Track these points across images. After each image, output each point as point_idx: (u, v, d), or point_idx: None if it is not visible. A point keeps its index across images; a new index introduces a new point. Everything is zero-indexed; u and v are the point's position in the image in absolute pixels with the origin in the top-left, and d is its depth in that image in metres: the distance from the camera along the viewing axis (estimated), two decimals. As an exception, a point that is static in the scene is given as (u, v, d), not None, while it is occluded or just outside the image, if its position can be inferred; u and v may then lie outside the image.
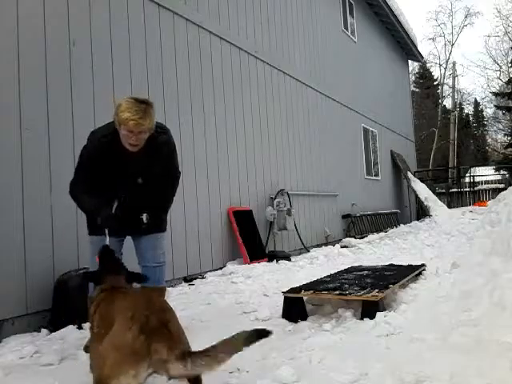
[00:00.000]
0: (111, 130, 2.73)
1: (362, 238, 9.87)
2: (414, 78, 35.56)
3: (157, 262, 3.07)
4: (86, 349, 2.91)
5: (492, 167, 29.19)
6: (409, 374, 2.26)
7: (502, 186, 20.42)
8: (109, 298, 2.11)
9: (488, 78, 35.52)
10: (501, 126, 33.62)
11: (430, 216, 13.21)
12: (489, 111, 36.35)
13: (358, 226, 10.82)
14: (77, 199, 2.86)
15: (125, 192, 2.90)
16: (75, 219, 3.95)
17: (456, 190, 20.05)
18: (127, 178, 2.87)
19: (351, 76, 11.82)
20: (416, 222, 13.55)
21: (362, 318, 3.29)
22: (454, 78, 32.30)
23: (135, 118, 2.59)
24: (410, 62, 19.62)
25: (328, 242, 9.26)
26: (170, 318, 1.80)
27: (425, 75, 37.36)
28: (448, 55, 32.63)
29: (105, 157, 2.77)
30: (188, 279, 5.50)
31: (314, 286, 3.84)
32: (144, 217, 2.94)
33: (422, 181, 15.79)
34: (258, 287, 4.85)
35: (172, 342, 1.66)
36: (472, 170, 23.89)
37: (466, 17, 32.41)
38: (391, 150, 14.78)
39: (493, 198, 6.63)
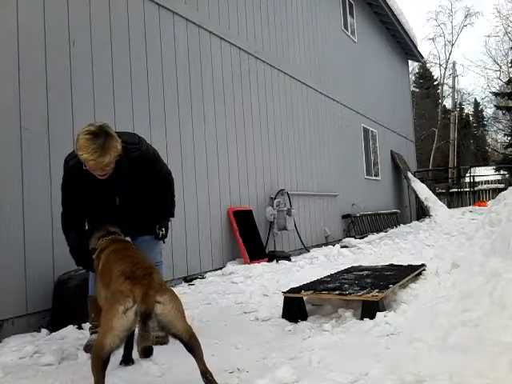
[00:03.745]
0: (78, 159, 2.63)
1: (362, 238, 9.87)
2: (414, 77, 35.55)
3: (154, 262, 3.08)
4: (86, 348, 2.92)
5: (492, 167, 29.11)
6: (409, 374, 2.26)
7: (501, 186, 20.39)
8: (110, 247, 2.63)
9: (488, 78, 35.60)
10: (501, 126, 33.59)
11: (430, 216, 13.20)
12: (489, 111, 36.35)
13: (358, 226, 10.82)
14: (66, 238, 2.96)
15: (111, 212, 2.92)
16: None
17: (456, 190, 20.05)
18: (107, 200, 2.88)
19: (351, 76, 11.82)
20: (416, 222, 13.55)
21: (361, 318, 3.30)
22: (453, 78, 32.34)
23: (94, 157, 2.50)
24: (410, 62, 19.61)
25: (328, 241, 9.26)
26: (152, 271, 2.33)
27: (425, 75, 37.34)
28: (448, 55, 32.69)
29: (80, 184, 2.78)
30: (188, 279, 5.50)
31: (314, 286, 3.84)
32: (157, 228, 3.08)
33: (422, 181, 15.76)
34: (258, 287, 4.85)
35: (152, 286, 2.16)
36: (472, 170, 23.87)
37: (465, 17, 32.47)
38: (391, 150, 14.78)
39: (493, 198, 6.62)
